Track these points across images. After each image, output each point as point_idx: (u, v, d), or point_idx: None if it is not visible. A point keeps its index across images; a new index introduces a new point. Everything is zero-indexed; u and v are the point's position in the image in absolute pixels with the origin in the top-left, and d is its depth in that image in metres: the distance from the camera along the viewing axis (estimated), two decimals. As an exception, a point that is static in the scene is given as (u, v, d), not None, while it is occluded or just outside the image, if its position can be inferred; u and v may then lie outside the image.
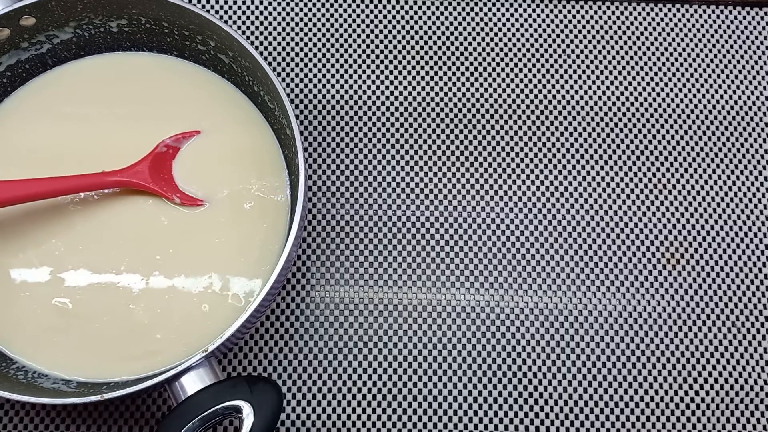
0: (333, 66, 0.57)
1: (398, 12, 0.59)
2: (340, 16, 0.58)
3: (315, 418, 0.50)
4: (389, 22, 0.58)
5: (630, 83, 0.57)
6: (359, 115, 0.56)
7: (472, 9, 0.59)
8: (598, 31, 0.59)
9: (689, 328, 0.53)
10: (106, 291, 0.47)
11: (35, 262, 0.48)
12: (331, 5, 0.58)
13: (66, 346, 0.47)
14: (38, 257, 0.48)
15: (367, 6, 0.58)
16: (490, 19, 0.59)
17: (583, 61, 0.58)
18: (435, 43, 0.58)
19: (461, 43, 0.58)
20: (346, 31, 0.58)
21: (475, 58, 0.58)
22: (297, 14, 0.58)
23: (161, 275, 0.48)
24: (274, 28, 0.58)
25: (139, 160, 0.49)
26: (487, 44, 0.58)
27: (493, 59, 0.58)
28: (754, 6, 0.60)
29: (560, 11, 0.59)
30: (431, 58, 0.58)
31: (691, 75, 0.58)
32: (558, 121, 0.56)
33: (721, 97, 0.57)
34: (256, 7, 0.58)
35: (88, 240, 0.48)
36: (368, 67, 0.57)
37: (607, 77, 0.58)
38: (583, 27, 0.59)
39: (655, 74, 0.58)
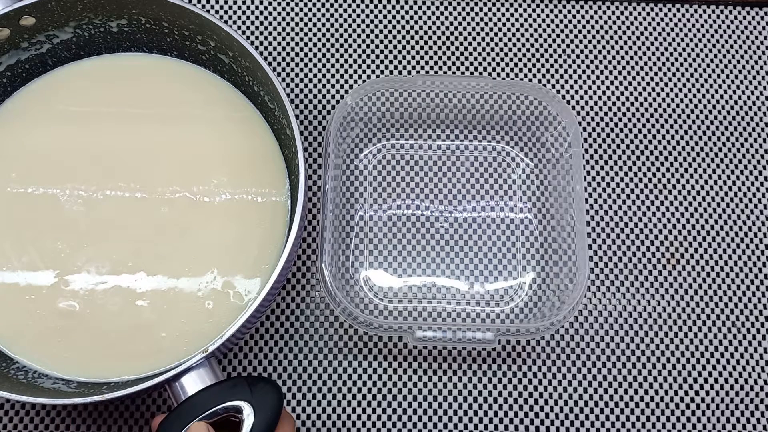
0: (333, 66, 0.57)
1: (398, 12, 0.59)
2: (340, 16, 0.58)
3: (315, 418, 0.50)
4: (389, 22, 0.58)
5: (630, 83, 0.57)
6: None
7: (472, 9, 0.59)
8: (598, 31, 0.59)
9: (689, 328, 0.53)
10: (111, 291, 0.47)
11: (39, 263, 0.48)
12: (331, 5, 0.58)
13: (68, 346, 0.47)
14: (42, 259, 0.48)
15: (367, 6, 0.58)
16: (490, 19, 0.59)
17: (583, 61, 0.58)
18: (435, 43, 0.58)
19: (461, 43, 0.58)
20: (346, 31, 0.58)
21: (475, 58, 0.58)
22: (297, 14, 0.58)
23: (165, 273, 0.48)
24: (274, 28, 0.58)
25: None
26: (487, 44, 0.58)
27: (493, 59, 0.58)
28: (754, 6, 0.60)
29: (560, 11, 0.59)
30: (431, 58, 0.58)
31: (691, 75, 0.58)
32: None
33: (721, 97, 0.57)
34: (256, 7, 0.58)
35: (92, 239, 0.48)
36: (368, 67, 0.57)
37: (607, 77, 0.58)
38: (583, 27, 0.59)
39: (655, 74, 0.58)
